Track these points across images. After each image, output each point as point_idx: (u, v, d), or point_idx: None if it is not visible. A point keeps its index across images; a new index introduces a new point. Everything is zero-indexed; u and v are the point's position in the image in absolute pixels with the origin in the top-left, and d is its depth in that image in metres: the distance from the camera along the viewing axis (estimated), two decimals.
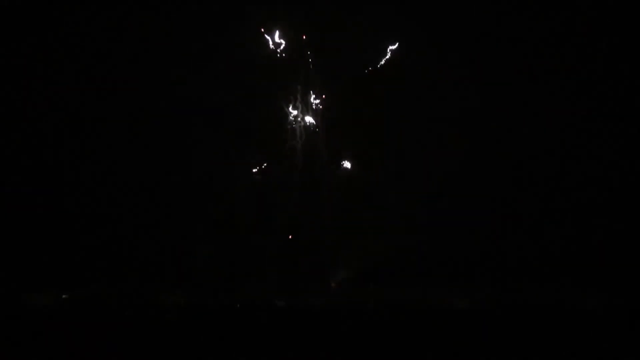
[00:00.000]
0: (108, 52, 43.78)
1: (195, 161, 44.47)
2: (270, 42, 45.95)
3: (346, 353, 30.94)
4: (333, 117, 47.50)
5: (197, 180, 44.14)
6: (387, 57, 46.54)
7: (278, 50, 46.45)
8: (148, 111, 43.63)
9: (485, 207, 45.40)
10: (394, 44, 46.43)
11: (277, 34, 45.75)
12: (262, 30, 45.19)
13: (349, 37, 46.62)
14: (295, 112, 46.77)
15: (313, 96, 47.02)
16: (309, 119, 47.95)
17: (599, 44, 44.47)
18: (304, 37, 46.31)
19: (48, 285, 38.85)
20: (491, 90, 45.38)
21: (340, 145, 47.63)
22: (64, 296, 37.75)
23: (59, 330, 33.24)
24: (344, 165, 47.07)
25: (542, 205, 45.23)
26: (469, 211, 45.64)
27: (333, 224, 45.82)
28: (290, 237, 44.71)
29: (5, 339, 31.22)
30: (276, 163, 46.68)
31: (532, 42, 45.24)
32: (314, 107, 47.22)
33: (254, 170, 45.44)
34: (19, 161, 41.50)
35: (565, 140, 45.65)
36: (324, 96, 47.19)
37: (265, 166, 46.38)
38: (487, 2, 45.28)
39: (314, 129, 47.53)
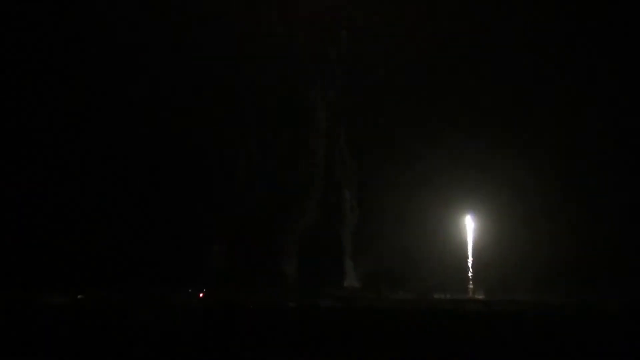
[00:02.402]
0: (119, 48, 44.08)
1: (212, 163, 44.71)
2: (294, 41, 46.02)
3: (357, 353, 30.85)
4: (356, 119, 47.33)
5: (214, 182, 44.40)
6: (417, 60, 46.28)
7: (301, 48, 46.53)
8: (166, 115, 43.96)
9: (496, 210, 44.97)
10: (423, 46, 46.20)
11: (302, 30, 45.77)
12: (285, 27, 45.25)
13: (376, 38, 46.46)
14: (317, 113, 46.62)
15: (336, 97, 46.79)
16: (331, 120, 47.81)
17: None
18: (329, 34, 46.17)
19: (64, 286, 39.36)
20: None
21: (362, 148, 47.36)
22: (79, 296, 38.26)
23: (74, 329, 33.61)
24: (364, 168, 46.97)
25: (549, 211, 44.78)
26: (480, 215, 45.26)
27: (350, 226, 45.76)
28: (307, 238, 44.62)
29: (21, 337, 31.70)
30: (297, 165, 46.57)
31: None
32: (336, 108, 46.95)
33: (273, 171, 45.49)
34: (37, 168, 42.09)
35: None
36: (347, 98, 47.11)
37: (285, 168, 46.36)
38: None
39: (336, 130, 47.31)
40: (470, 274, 44.64)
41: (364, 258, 44.71)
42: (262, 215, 43.98)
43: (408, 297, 41.96)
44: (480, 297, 42.54)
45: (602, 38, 44.39)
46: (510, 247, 43.57)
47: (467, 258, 44.82)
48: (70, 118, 43.39)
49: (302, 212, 44.64)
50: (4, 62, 42.65)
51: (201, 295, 41.17)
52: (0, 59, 42.58)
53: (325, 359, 30.54)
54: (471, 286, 44.29)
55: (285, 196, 44.68)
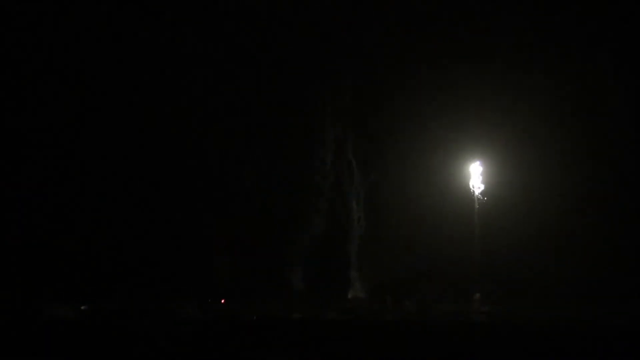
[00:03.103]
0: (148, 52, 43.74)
1: (216, 171, 44.39)
2: (300, 47, 45.62)
3: None
4: (364, 129, 46.92)
5: (219, 192, 44.08)
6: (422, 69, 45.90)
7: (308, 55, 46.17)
8: (178, 128, 43.54)
9: (506, 221, 44.77)
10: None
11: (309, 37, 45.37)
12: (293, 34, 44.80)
13: (380, 43, 46.02)
14: (325, 123, 46.19)
15: (343, 106, 46.35)
16: (339, 130, 47.41)
17: None
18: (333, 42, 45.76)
19: (68, 297, 39.13)
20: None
21: (369, 158, 47.05)
22: (82, 307, 38.05)
23: (78, 341, 33.52)
24: (372, 179, 46.66)
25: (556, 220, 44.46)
26: (491, 227, 45.07)
27: (356, 237, 45.55)
28: (312, 249, 44.30)
29: (25, 348, 31.57)
30: (304, 176, 46.15)
31: None
32: (344, 117, 46.55)
33: (279, 181, 45.13)
34: (42, 179, 41.72)
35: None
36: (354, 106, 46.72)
37: (292, 178, 45.96)
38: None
39: (343, 141, 46.93)
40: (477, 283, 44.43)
41: (370, 269, 44.65)
42: (267, 225, 43.80)
43: (413, 308, 41.92)
44: (486, 309, 42.33)
45: None
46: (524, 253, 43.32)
47: (475, 268, 44.60)
48: (70, 121, 43.03)
49: (308, 222, 44.51)
50: (4, 61, 42.34)
51: (222, 301, 41.25)
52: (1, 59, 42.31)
53: None
54: (478, 296, 44.00)
55: (291, 206, 44.51)
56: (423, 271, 43.65)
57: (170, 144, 43.21)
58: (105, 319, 37.34)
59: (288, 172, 44.79)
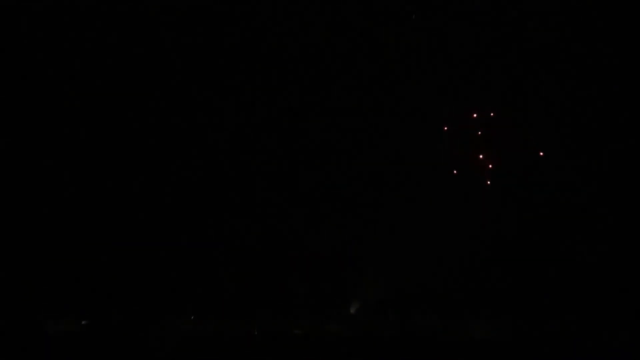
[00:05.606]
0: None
1: (220, 183, 44.13)
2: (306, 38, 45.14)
3: None
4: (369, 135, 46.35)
5: (221, 201, 43.90)
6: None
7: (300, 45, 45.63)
8: (177, 133, 43.31)
9: (512, 232, 44.51)
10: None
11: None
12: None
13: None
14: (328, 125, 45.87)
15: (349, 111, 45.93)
16: (343, 135, 46.86)
17: None
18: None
19: (68, 312, 39.21)
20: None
21: (376, 168, 46.53)
22: (83, 322, 38.16)
23: (78, 357, 33.81)
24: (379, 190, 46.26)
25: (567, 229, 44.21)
26: (493, 238, 44.85)
27: (355, 249, 45.31)
28: (315, 261, 44.10)
29: None
30: (308, 183, 45.76)
31: None
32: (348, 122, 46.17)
33: (282, 190, 44.91)
34: (42, 188, 41.58)
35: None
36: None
37: (296, 186, 45.57)
38: None
39: (343, 145, 46.56)
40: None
41: (373, 283, 44.54)
42: (270, 235, 43.58)
43: (416, 323, 41.84)
44: (491, 325, 42.09)
45: None
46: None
47: (481, 282, 44.23)
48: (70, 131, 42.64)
49: (311, 233, 44.31)
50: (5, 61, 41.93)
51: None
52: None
53: None
54: (482, 311, 43.55)
55: (295, 217, 44.23)
56: (427, 286, 43.45)
57: (171, 150, 42.87)
58: (105, 333, 37.52)
59: (291, 181, 44.49)
